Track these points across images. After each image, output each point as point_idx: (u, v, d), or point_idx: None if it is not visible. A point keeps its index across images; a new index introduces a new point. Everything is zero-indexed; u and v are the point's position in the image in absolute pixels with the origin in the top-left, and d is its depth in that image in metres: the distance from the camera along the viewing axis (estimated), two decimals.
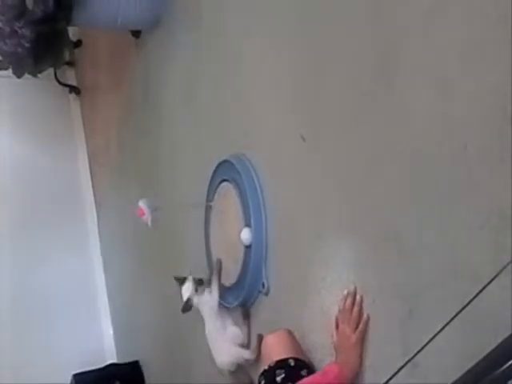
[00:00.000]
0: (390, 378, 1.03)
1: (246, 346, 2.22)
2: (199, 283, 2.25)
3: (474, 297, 0.97)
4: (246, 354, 2.16)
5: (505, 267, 0.97)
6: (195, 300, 2.24)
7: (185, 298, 2.24)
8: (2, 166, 4.30)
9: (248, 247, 2.13)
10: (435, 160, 1.39)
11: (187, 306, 2.24)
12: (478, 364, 0.79)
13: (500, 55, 1.19)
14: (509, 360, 0.74)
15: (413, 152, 1.46)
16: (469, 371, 0.81)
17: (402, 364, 1.11)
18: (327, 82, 1.79)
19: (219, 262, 2.31)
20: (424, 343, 1.05)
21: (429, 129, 1.41)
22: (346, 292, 1.67)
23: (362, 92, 1.63)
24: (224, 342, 2.22)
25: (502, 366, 0.74)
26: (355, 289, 1.65)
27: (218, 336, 2.23)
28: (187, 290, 2.25)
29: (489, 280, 0.96)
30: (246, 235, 2.11)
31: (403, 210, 1.50)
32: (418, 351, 1.05)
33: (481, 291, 0.96)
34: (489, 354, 0.79)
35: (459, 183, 1.32)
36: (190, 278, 2.27)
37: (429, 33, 1.39)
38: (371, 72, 1.59)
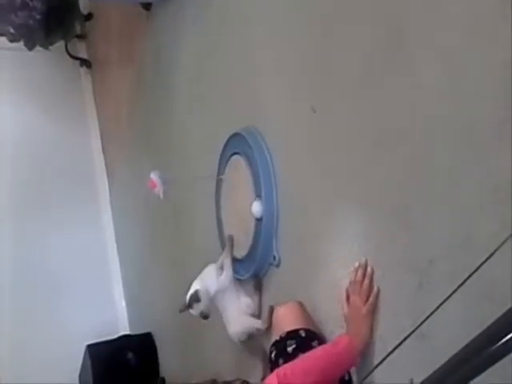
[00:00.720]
0: (397, 347, 1.05)
1: (257, 316, 2.24)
2: (194, 299, 2.22)
3: (476, 269, 0.97)
4: (258, 324, 2.18)
5: (505, 241, 0.97)
6: (192, 311, 2.25)
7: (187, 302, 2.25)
8: (13, 141, 4.31)
9: (259, 220, 2.14)
10: (444, 135, 1.38)
11: (185, 308, 2.26)
12: (483, 332, 0.80)
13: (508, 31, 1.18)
14: None
15: (422, 127, 1.45)
16: (474, 340, 0.81)
17: (409, 333, 1.12)
18: (337, 54, 1.77)
19: (231, 238, 2.33)
20: (431, 312, 1.06)
21: (438, 104, 1.40)
22: (357, 264, 1.68)
23: (372, 64, 1.62)
24: (236, 312, 2.24)
25: (507, 334, 0.75)
26: (366, 261, 1.66)
27: (231, 306, 2.25)
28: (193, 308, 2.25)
29: (494, 250, 0.96)
30: (256, 208, 2.12)
31: (413, 183, 1.50)
32: (422, 321, 1.06)
33: (484, 262, 0.96)
34: (494, 323, 0.79)
35: (467, 158, 1.32)
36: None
37: (440, 7, 1.38)
38: (382, 45, 1.58)
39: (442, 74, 1.38)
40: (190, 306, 2.23)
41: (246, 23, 2.30)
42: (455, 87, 1.34)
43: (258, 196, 2.13)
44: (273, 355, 1.82)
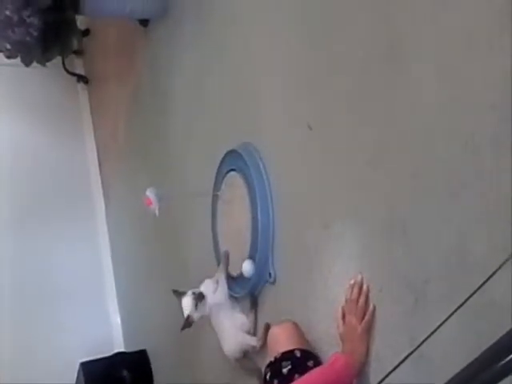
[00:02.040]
0: (394, 369, 1.04)
1: (252, 333, 2.22)
2: (199, 298, 2.19)
3: (476, 290, 0.96)
4: (253, 341, 2.17)
5: (505, 262, 0.96)
6: (196, 315, 2.20)
7: (185, 314, 2.20)
8: (10, 156, 4.30)
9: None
10: (443, 149, 1.38)
11: (187, 324, 2.20)
12: (482, 354, 0.79)
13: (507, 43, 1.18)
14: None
15: (421, 142, 1.45)
16: (473, 362, 0.80)
17: (407, 354, 1.10)
18: (335, 70, 1.78)
19: (226, 254, 2.31)
20: (430, 334, 1.05)
21: (437, 118, 1.40)
22: (352, 282, 1.66)
23: (370, 81, 1.62)
24: (231, 329, 2.23)
25: (507, 356, 0.74)
26: (362, 278, 1.64)
27: (226, 323, 2.24)
28: (187, 305, 2.19)
29: (494, 271, 0.95)
30: (247, 267, 2.13)
31: (410, 199, 1.49)
32: (421, 342, 1.05)
33: (483, 284, 0.95)
34: (493, 345, 0.78)
35: (466, 174, 1.32)
36: (190, 292, 2.20)
37: (438, 20, 1.38)
38: (380, 59, 1.58)
39: (440, 86, 1.38)
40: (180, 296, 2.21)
41: (244, 43, 2.31)
42: (454, 100, 1.34)
43: (254, 213, 2.12)
44: (268, 377, 1.80)
